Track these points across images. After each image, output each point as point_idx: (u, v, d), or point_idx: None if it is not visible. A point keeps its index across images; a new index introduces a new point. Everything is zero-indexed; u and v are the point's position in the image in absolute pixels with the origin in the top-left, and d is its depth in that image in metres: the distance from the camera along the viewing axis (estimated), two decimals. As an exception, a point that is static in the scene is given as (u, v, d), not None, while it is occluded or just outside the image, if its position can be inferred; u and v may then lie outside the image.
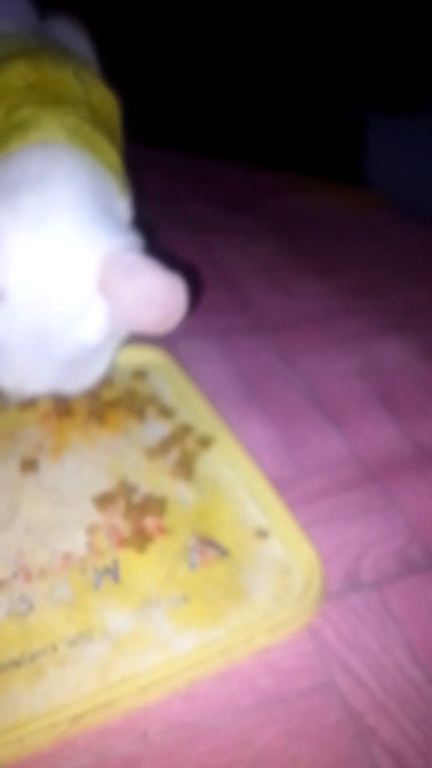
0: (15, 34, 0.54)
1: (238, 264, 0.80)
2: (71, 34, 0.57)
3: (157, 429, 0.52)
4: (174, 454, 0.49)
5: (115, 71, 0.58)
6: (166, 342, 0.60)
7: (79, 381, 0.45)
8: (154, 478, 0.47)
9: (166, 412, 0.53)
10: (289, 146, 1.26)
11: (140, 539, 0.42)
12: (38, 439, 0.50)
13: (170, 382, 0.57)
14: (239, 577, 0.41)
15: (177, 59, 1.22)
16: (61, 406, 0.52)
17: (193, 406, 0.54)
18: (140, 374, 0.57)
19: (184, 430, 0.51)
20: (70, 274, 0.39)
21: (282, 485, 0.46)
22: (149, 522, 0.44)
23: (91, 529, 0.43)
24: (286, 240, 0.87)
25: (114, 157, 0.49)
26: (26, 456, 0.48)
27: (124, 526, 0.43)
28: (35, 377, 0.43)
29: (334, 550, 0.43)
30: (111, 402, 0.54)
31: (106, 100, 0.54)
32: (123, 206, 0.47)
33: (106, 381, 0.55)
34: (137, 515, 0.44)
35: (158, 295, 0.38)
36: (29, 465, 0.47)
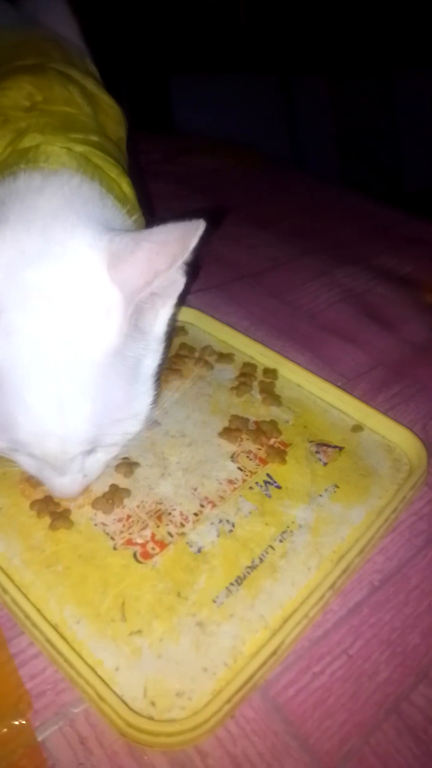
0: (6, 25, 0.53)
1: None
2: (57, 14, 0.58)
3: (225, 372, 0.59)
4: (255, 388, 0.57)
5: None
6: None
7: (123, 420, 0.39)
8: (252, 409, 0.55)
9: (224, 357, 0.60)
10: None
11: (276, 454, 0.50)
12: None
13: (210, 331, 0.63)
14: (361, 462, 0.51)
15: None
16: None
17: (243, 347, 0.61)
18: (181, 330, 0.63)
19: (249, 367, 0.59)
20: (69, 266, 0.35)
21: (343, 392, 0.58)
22: (274, 441, 0.52)
23: (234, 457, 0.50)
24: (212, 199, 0.95)
25: (123, 185, 0.48)
26: (142, 416, 0.52)
27: (257, 449, 0.51)
28: (66, 419, 0.35)
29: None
30: (175, 357, 0.59)
31: (111, 113, 0.55)
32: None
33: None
34: (263, 438, 0.52)
35: (173, 230, 0.35)
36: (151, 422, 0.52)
